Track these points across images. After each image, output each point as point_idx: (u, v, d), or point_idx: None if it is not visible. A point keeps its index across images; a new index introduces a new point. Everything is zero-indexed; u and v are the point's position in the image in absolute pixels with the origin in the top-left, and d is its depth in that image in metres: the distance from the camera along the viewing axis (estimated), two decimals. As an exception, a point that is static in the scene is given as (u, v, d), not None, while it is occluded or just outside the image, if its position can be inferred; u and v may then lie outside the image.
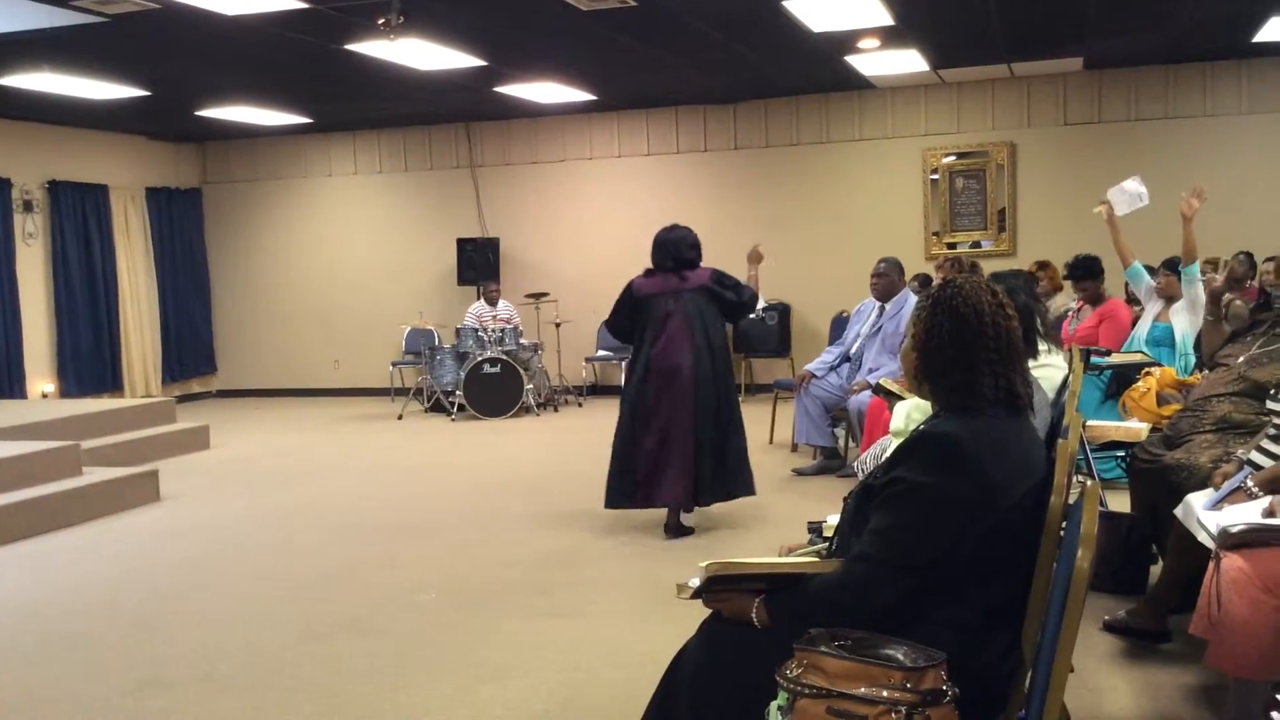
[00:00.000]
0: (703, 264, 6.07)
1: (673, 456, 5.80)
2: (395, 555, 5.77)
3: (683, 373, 5.80)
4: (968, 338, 2.33)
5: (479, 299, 11.54)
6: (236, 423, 11.12)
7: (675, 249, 5.98)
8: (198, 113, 10.93)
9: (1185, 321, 6.51)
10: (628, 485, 5.89)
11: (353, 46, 7.98)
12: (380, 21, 6.88)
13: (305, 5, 6.76)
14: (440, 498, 7.19)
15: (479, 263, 12.06)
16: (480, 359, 10.58)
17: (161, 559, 5.92)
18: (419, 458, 8.81)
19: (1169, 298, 6.74)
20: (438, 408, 11.25)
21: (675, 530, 5.94)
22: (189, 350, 13.24)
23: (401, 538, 6.15)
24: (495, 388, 10.59)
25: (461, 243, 12.19)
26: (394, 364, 12.31)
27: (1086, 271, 7.30)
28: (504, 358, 10.59)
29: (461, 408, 10.77)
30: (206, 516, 6.91)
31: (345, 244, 13.10)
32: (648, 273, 6.08)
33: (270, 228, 13.36)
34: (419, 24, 7.23)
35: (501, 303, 11.44)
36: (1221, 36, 9.25)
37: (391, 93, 10.14)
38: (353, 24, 7.30)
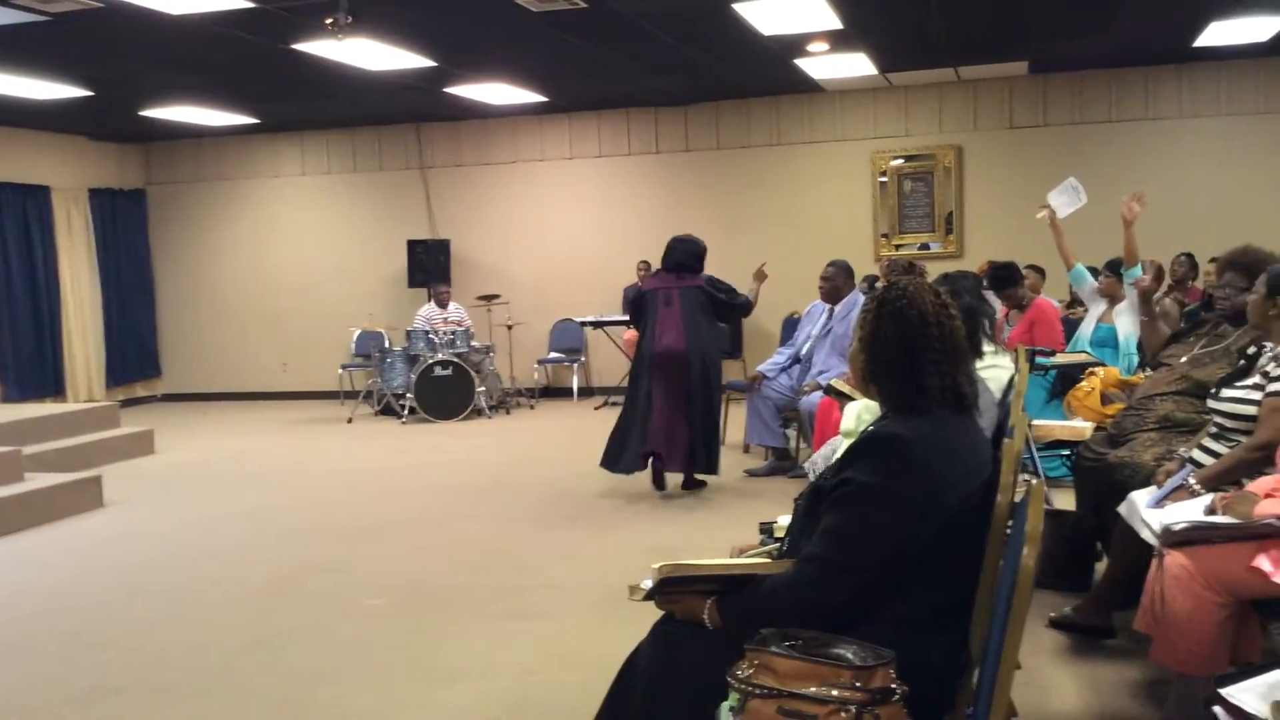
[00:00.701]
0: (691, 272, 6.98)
1: (669, 429, 6.72)
2: (346, 559, 5.72)
3: (676, 358, 6.73)
4: (912, 339, 2.37)
5: (429, 301, 11.47)
6: (182, 427, 10.96)
7: (677, 254, 6.95)
8: (142, 113, 10.77)
9: (1128, 322, 6.62)
10: (625, 453, 6.81)
11: (300, 46, 7.91)
12: (328, 21, 6.82)
13: (251, 4, 6.69)
14: (392, 501, 7.14)
15: (430, 265, 12.00)
16: (431, 361, 10.52)
17: (105, 565, 5.82)
18: (370, 461, 8.74)
19: (1111, 298, 6.86)
20: (388, 411, 11.17)
21: (660, 484, 6.95)
22: (133, 354, 13.04)
23: (352, 542, 6.10)
24: (446, 390, 10.54)
25: (412, 244, 12.12)
26: (343, 367, 12.21)
27: (1005, 280, 7.36)
28: (455, 360, 10.54)
29: (412, 411, 10.70)
30: (152, 522, 6.81)
31: (293, 246, 12.97)
32: (656, 272, 7.17)
33: (216, 229, 13.19)
34: (367, 24, 7.18)
35: (452, 305, 11.39)
36: (1162, 41, 9.42)
37: (339, 93, 10.06)
38: (300, 23, 7.23)
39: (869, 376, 2.44)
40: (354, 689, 3.92)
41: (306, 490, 7.68)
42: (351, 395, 11.86)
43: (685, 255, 6.92)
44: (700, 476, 6.97)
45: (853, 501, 2.25)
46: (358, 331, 12.17)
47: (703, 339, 6.79)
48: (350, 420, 10.99)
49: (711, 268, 7.17)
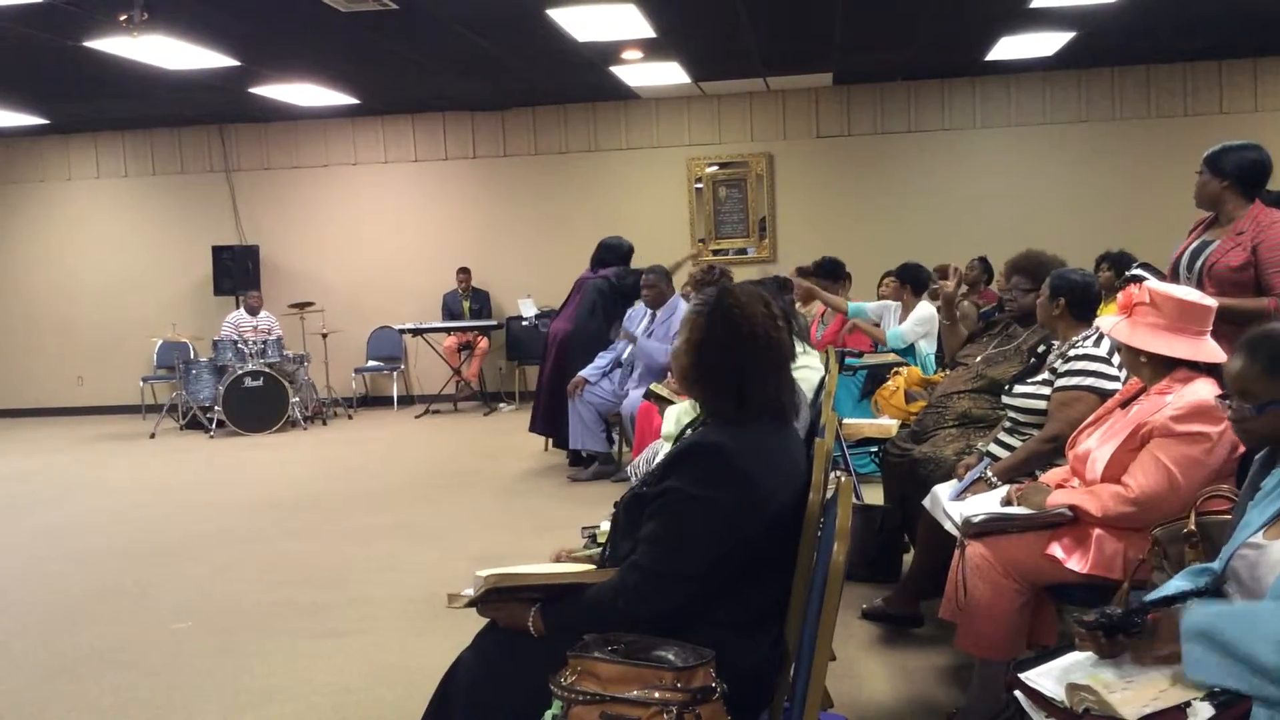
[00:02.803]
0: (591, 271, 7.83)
1: (550, 405, 7.58)
2: (150, 581, 5.45)
3: (560, 339, 7.66)
4: (741, 347, 2.39)
5: (238, 309, 11.05)
6: (-34, 447, 10.25)
7: (597, 250, 7.92)
8: (-85, 110, 10.04)
9: (923, 344, 7.00)
10: (534, 416, 7.81)
11: (92, 44, 7.50)
12: (122, 18, 6.50)
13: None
14: (198, 519, 6.83)
15: (237, 271, 11.55)
16: (241, 372, 10.13)
17: (-122, 599, 5.39)
18: (174, 477, 8.35)
19: (901, 300, 7.20)
20: (195, 425, 10.69)
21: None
22: (-91, 369, 12.11)
23: (156, 563, 5.81)
24: (257, 402, 10.17)
25: (217, 250, 11.63)
26: (145, 379, 11.62)
27: (829, 274, 7.65)
28: (266, 370, 10.18)
29: (221, 424, 10.28)
30: (-68, 550, 6.34)
31: (88, 252, 12.28)
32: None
33: (3, 235, 12.37)
34: (165, 21, 6.85)
35: (263, 313, 11.01)
36: (957, 55, 9.90)
37: (136, 92, 9.59)
38: (92, 20, 6.85)
39: (692, 379, 2.46)
40: (160, 716, 3.74)
41: (106, 509, 7.27)
42: (154, 409, 11.30)
43: (602, 251, 7.87)
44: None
45: (675, 512, 2.26)
46: (160, 341, 11.60)
47: (588, 325, 7.51)
48: (153, 435, 10.47)
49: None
